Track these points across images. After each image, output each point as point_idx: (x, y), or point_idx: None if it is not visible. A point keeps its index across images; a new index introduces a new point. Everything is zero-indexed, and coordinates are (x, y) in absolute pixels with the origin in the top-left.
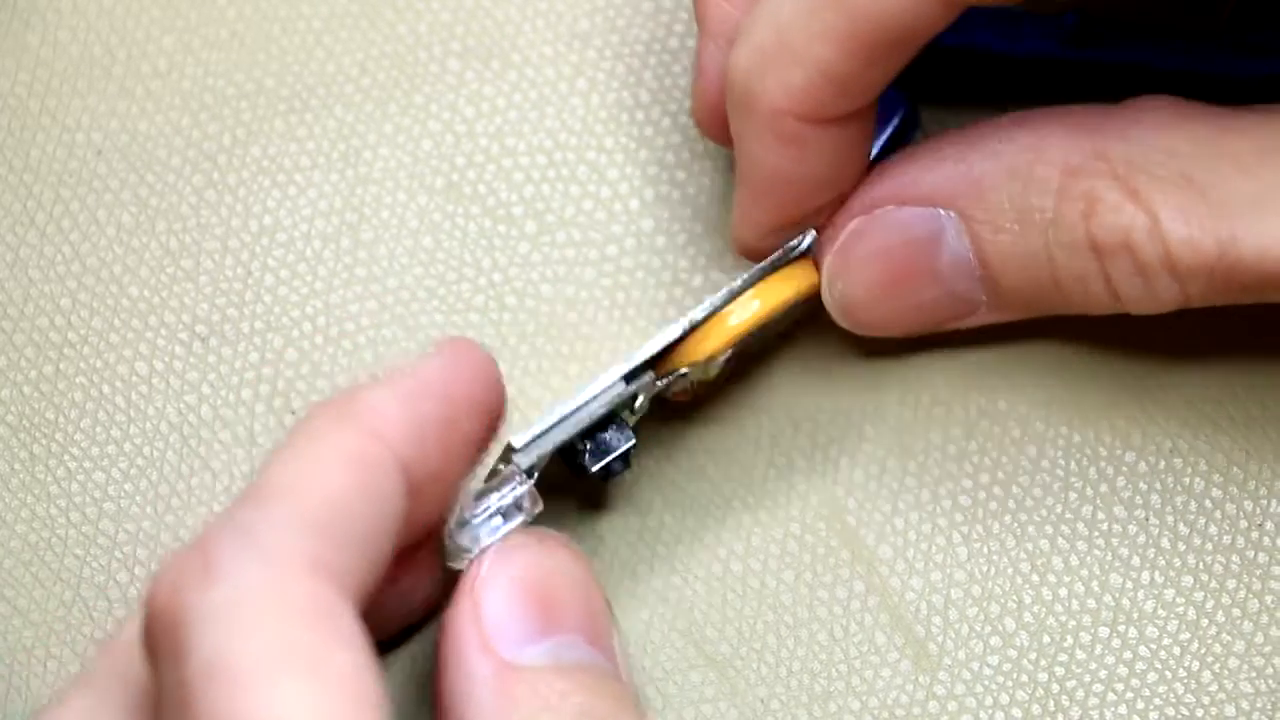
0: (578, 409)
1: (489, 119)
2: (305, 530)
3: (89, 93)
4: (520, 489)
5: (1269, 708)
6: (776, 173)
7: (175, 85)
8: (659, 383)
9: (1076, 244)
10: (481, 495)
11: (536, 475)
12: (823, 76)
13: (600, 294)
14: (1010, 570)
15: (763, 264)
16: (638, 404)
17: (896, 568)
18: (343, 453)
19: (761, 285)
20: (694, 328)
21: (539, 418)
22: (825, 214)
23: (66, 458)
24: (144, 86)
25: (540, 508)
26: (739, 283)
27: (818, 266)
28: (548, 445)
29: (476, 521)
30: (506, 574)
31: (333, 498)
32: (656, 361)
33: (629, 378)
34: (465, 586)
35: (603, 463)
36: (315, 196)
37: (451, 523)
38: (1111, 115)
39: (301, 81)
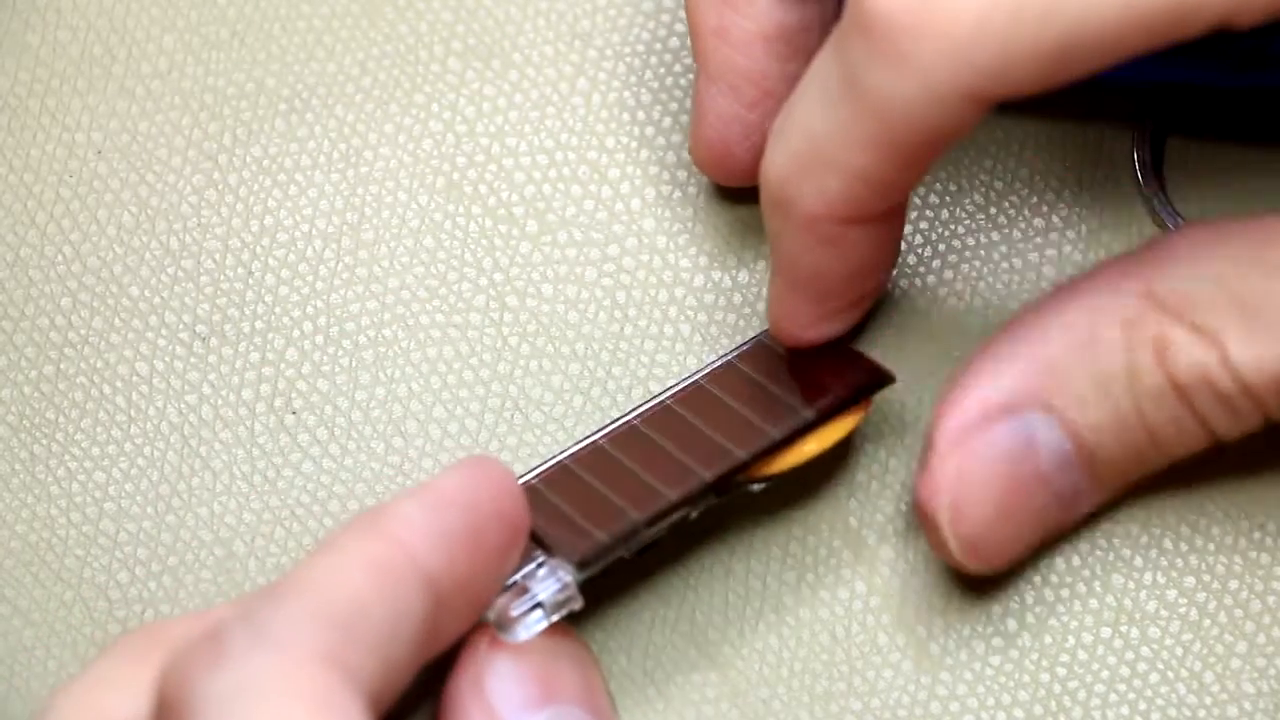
0: (635, 529)
1: (490, 119)
2: (318, 624)
3: (89, 92)
4: (559, 584)
5: (1271, 708)
6: (816, 270)
7: (176, 85)
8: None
9: (1160, 391)
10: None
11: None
12: (860, 183)
13: (601, 294)
14: (1012, 570)
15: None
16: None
17: (898, 568)
18: (364, 557)
19: (843, 419)
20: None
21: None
22: (869, 304)
23: (67, 458)
24: (144, 86)
25: (580, 604)
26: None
27: (928, 518)
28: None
29: (516, 614)
30: (507, 648)
31: (349, 596)
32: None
33: (691, 500)
34: (467, 658)
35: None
36: (316, 196)
37: (493, 616)
38: (1144, 258)
39: (302, 81)
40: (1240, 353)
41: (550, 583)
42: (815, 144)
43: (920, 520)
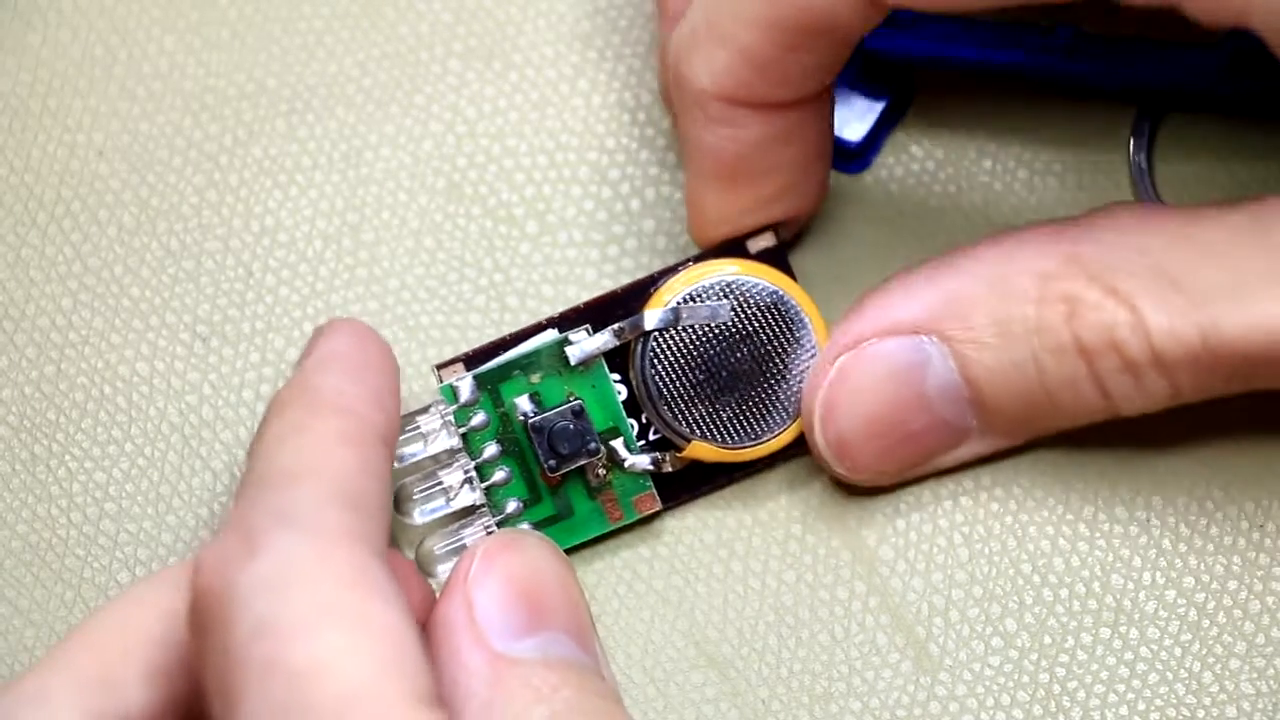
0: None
1: (490, 119)
2: (335, 505)
3: (90, 93)
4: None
5: (1270, 709)
6: (712, 153)
7: (177, 86)
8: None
9: (1063, 347)
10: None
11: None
12: (743, 59)
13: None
14: (1011, 571)
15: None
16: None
17: (898, 568)
18: (339, 433)
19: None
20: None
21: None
22: (777, 208)
23: (68, 458)
24: (145, 87)
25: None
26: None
27: (805, 414)
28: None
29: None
30: (496, 571)
31: (348, 473)
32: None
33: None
34: (455, 583)
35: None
36: (316, 197)
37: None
38: (1079, 223)
39: (303, 82)
40: (1156, 320)
41: (468, 493)
42: (708, 17)
43: (803, 419)
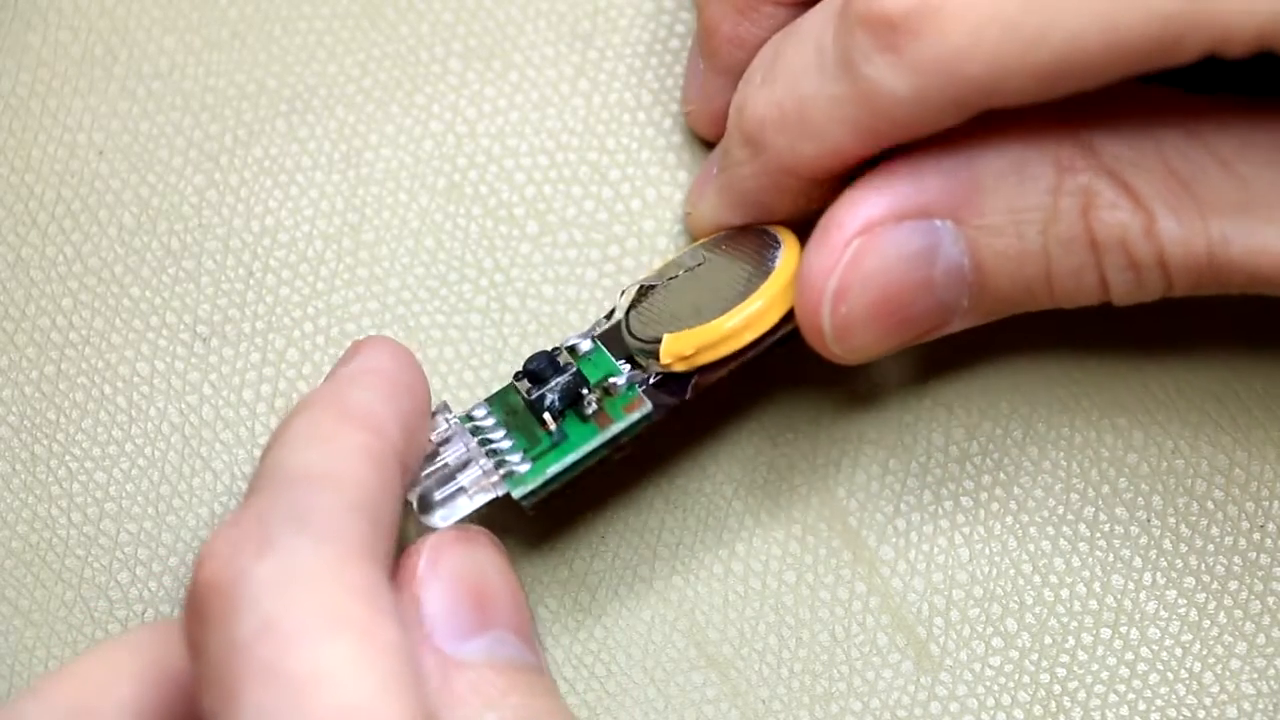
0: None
1: (490, 119)
2: (354, 515)
3: (90, 93)
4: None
5: (1271, 709)
6: (762, 203)
7: (177, 85)
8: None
9: (1075, 240)
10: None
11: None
12: (834, 154)
13: (602, 295)
14: (1012, 571)
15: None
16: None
17: (898, 569)
18: (362, 449)
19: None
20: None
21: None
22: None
23: (68, 458)
24: (145, 87)
25: (502, 491)
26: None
27: (812, 293)
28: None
29: (440, 498)
30: (443, 570)
31: (368, 488)
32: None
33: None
34: (403, 581)
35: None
36: (317, 197)
37: (414, 499)
38: (1094, 104)
39: (303, 82)
40: (1168, 228)
41: (473, 468)
42: (801, 107)
43: (800, 294)
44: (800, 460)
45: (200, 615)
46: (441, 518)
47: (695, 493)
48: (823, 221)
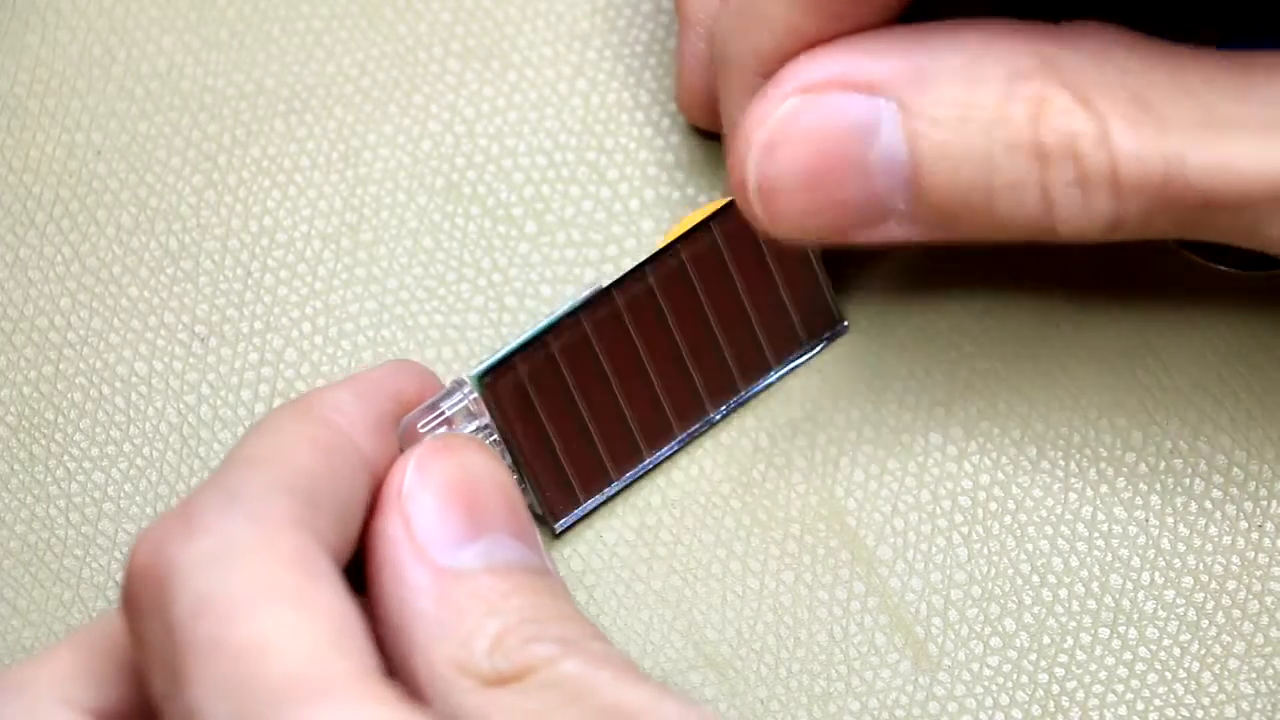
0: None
1: (489, 119)
2: (284, 491)
3: (88, 93)
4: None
5: (1269, 709)
6: (710, 10)
7: (175, 86)
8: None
9: (1020, 145)
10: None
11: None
12: (789, 37)
13: None
14: (1010, 571)
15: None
16: None
17: (896, 568)
18: (307, 436)
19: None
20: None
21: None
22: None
23: (66, 458)
24: (144, 87)
25: (486, 419)
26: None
27: (740, 143)
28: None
29: (424, 429)
30: (430, 481)
31: (306, 469)
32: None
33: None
34: (390, 497)
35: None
36: (315, 197)
37: (401, 430)
38: (1063, 29)
39: (301, 82)
40: (1124, 140)
41: (456, 397)
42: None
43: (731, 144)
44: (798, 459)
45: (136, 604)
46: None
47: (694, 493)
48: (769, 81)
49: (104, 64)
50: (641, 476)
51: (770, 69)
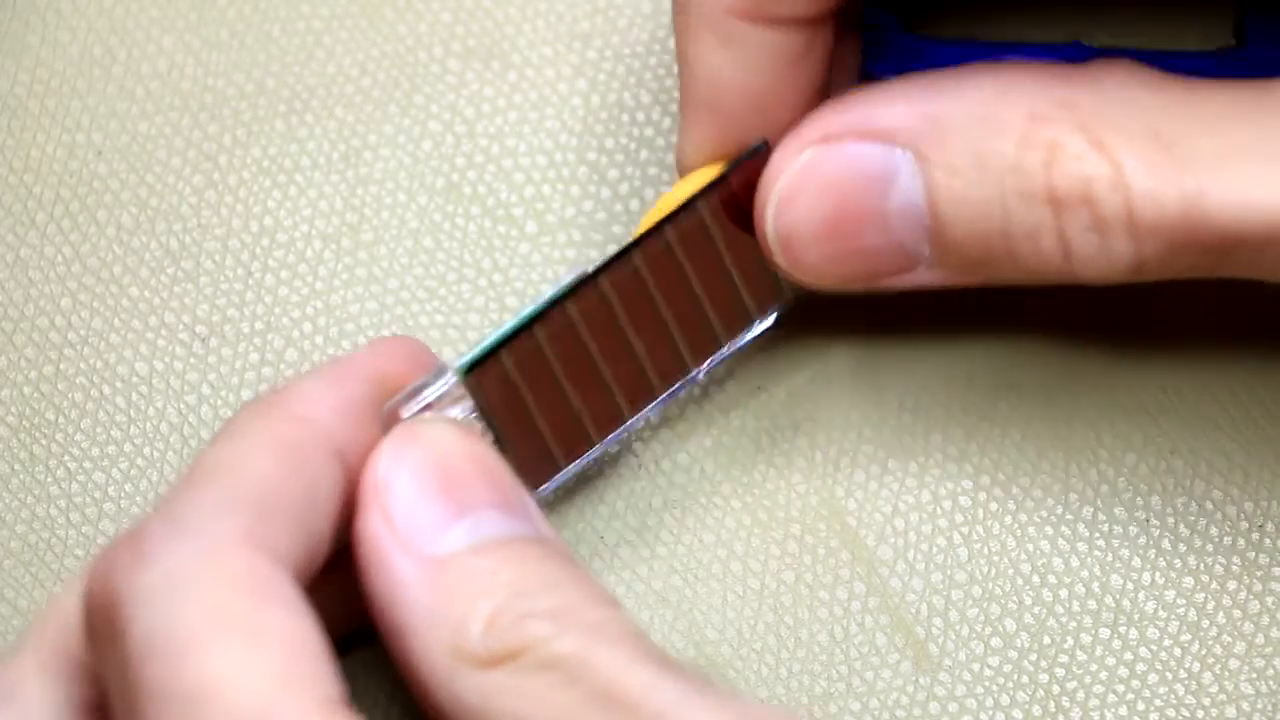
0: (520, 326)
1: (489, 119)
2: (233, 508)
3: (89, 93)
4: (445, 384)
5: (1270, 709)
6: (717, 80)
7: (175, 86)
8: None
9: (1034, 193)
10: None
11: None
12: None
13: None
14: (1011, 571)
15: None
16: None
17: (897, 569)
18: (269, 437)
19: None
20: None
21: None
22: (771, 130)
23: (67, 458)
24: (144, 87)
25: (469, 409)
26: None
27: (761, 194)
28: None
29: (406, 416)
30: (404, 469)
31: (260, 477)
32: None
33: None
34: (367, 494)
35: None
36: (315, 197)
37: (383, 414)
38: (1079, 69)
39: (302, 82)
40: (1138, 180)
41: (439, 382)
42: None
43: (756, 195)
44: (799, 459)
45: (93, 637)
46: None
47: (694, 492)
48: (787, 134)
49: (104, 64)
50: (621, 438)
51: (740, 3)
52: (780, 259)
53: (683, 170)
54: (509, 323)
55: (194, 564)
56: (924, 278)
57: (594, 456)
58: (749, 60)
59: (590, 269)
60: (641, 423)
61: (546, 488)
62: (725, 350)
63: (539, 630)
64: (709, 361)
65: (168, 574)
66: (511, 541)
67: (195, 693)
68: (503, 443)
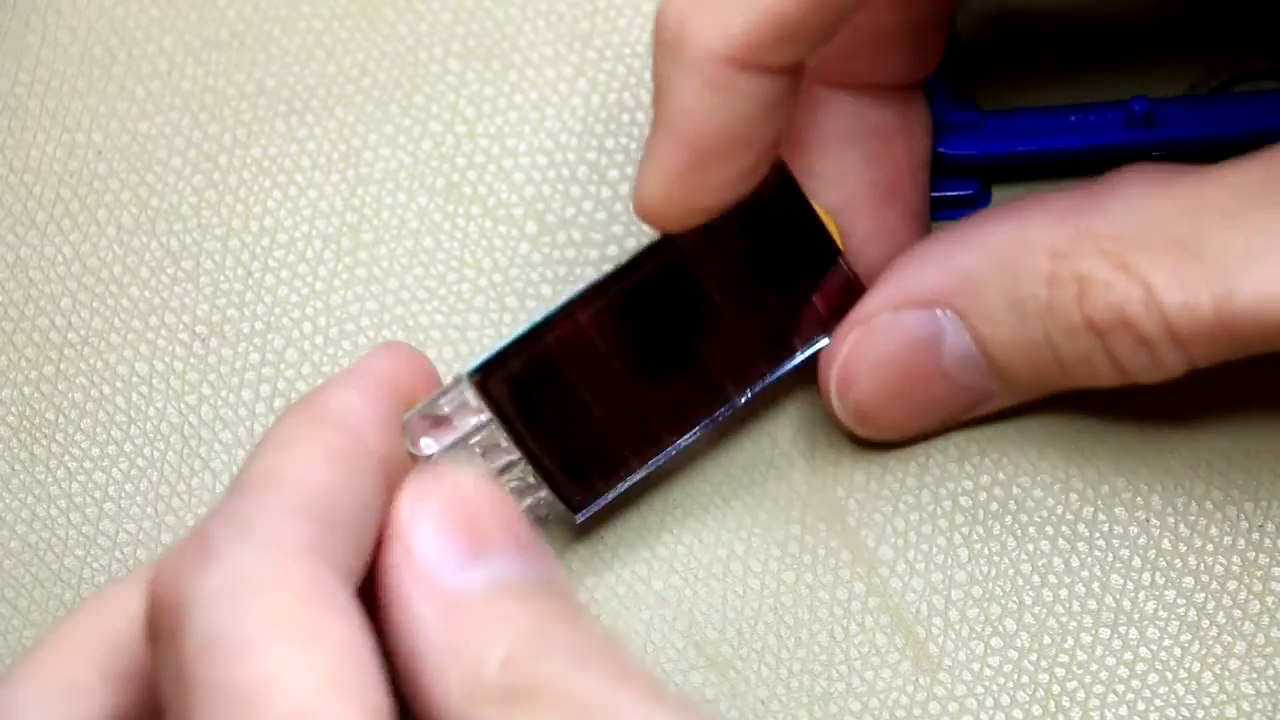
0: (535, 331)
1: (489, 119)
2: (297, 516)
3: (89, 93)
4: (463, 397)
5: (1270, 709)
6: (698, 121)
7: (175, 86)
8: None
9: (1074, 328)
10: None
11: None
12: (767, 20)
13: None
14: (1011, 571)
15: None
16: None
17: (897, 569)
18: (325, 447)
19: None
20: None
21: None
22: (740, 184)
23: (67, 458)
24: (144, 87)
25: (485, 416)
26: None
27: (821, 382)
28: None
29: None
30: (426, 508)
31: (322, 488)
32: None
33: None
34: (390, 531)
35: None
36: (316, 197)
37: (404, 423)
38: (1091, 193)
39: (302, 82)
40: (1170, 295)
41: (454, 393)
42: None
43: (820, 384)
44: (799, 459)
45: (154, 635)
46: (426, 444)
47: (695, 492)
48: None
49: (105, 64)
50: (667, 464)
51: (735, 48)
52: (861, 431)
53: (642, 203)
54: (519, 327)
55: (258, 569)
56: (999, 403)
57: (635, 479)
58: (735, 105)
59: (601, 276)
60: (677, 450)
61: (586, 512)
62: (769, 377)
63: (557, 669)
64: (750, 389)
65: (232, 577)
66: (529, 584)
67: (248, 690)
68: (527, 453)
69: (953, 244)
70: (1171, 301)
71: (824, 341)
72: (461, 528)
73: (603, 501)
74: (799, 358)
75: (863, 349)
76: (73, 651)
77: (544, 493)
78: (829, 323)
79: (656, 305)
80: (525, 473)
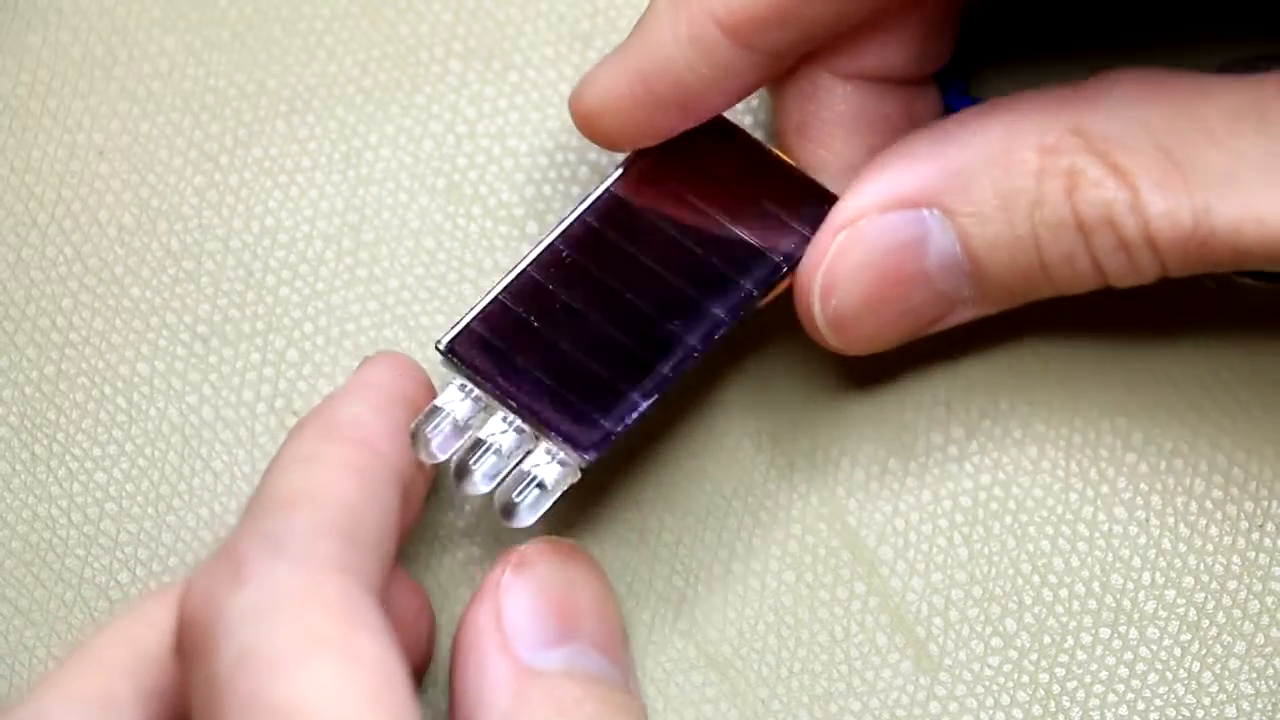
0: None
1: (490, 120)
2: (326, 534)
3: (90, 93)
4: (561, 467)
5: (1270, 709)
6: (666, 69)
7: (177, 86)
8: None
9: (1062, 222)
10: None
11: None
12: (772, 3)
13: None
14: (1011, 571)
15: None
16: None
17: (897, 568)
18: (346, 464)
19: None
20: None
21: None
22: (671, 131)
23: (68, 458)
24: (145, 87)
25: (577, 476)
26: None
27: (802, 287)
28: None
29: (519, 499)
30: (528, 580)
31: (349, 505)
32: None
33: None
34: (487, 589)
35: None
36: (317, 197)
37: (497, 505)
38: (1082, 91)
39: (303, 82)
40: (1153, 202)
41: (450, 391)
42: None
43: (795, 291)
44: (799, 459)
45: (186, 654)
46: (522, 518)
47: (695, 493)
48: (821, 226)
49: (106, 64)
50: (668, 391)
51: (733, 20)
52: (834, 341)
53: (580, 102)
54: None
55: (292, 586)
56: (964, 315)
57: (641, 411)
58: (707, 68)
59: (549, 239)
60: (677, 375)
61: (596, 451)
62: (752, 291)
63: None
64: (735, 308)
65: (265, 596)
66: (603, 680)
67: (284, 708)
68: (519, 410)
69: (939, 142)
70: (1155, 209)
71: (793, 244)
72: (556, 609)
73: (612, 436)
74: (777, 265)
75: (847, 252)
76: (106, 664)
77: (549, 444)
78: (796, 229)
79: (606, 244)
80: (525, 440)
